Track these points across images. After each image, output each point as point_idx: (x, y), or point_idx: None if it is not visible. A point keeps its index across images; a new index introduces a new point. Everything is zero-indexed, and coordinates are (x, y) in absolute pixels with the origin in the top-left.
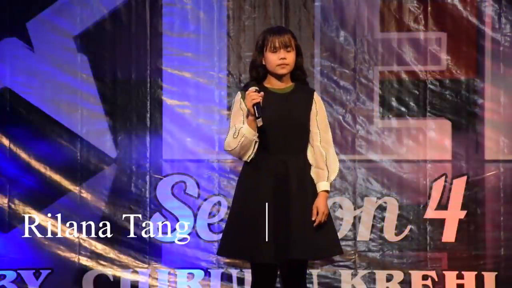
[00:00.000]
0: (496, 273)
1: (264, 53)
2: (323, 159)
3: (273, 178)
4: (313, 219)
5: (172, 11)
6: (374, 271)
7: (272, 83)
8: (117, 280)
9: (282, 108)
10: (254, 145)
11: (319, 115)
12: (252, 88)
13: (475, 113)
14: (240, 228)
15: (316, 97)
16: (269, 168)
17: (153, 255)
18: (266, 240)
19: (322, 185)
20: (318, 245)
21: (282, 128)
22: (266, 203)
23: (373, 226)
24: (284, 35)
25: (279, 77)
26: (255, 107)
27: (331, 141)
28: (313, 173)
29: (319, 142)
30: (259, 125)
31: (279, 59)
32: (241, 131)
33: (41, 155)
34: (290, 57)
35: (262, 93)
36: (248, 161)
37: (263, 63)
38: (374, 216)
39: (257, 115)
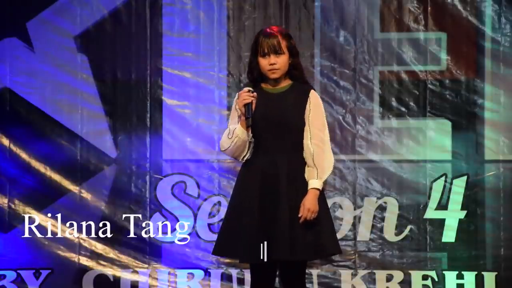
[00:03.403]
0: (496, 273)
1: (257, 56)
2: (311, 157)
3: (261, 178)
4: (299, 215)
5: (172, 11)
6: (374, 271)
7: (268, 84)
8: (117, 280)
9: (273, 108)
10: (249, 146)
11: (312, 113)
12: (245, 89)
13: (475, 113)
14: (230, 228)
15: (312, 95)
16: (259, 167)
17: (153, 255)
18: (248, 240)
19: (311, 183)
20: (307, 246)
21: (273, 128)
22: (252, 204)
23: (373, 226)
24: (273, 39)
25: (273, 79)
26: (245, 107)
27: (325, 139)
28: (305, 172)
29: (309, 140)
30: (247, 125)
31: (269, 65)
32: (235, 132)
33: (41, 155)
34: (280, 61)
35: (255, 93)
36: (244, 161)
37: (257, 65)
38: (374, 216)
39: (246, 115)
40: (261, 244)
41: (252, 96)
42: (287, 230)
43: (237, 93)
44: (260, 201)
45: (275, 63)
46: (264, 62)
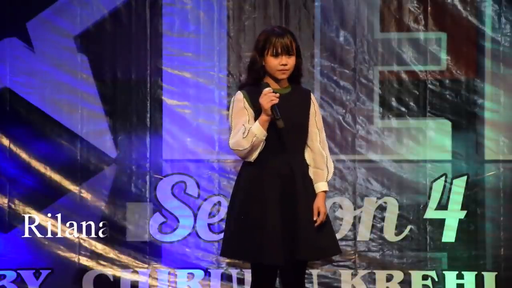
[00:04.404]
0: (496, 273)
1: (265, 55)
2: (324, 159)
3: (278, 179)
4: (314, 219)
5: (172, 11)
6: (374, 271)
7: (271, 84)
8: (117, 280)
9: (284, 109)
10: (262, 146)
11: (317, 116)
12: (269, 89)
13: (475, 113)
14: (246, 229)
15: (313, 97)
16: (274, 169)
17: (153, 255)
18: (273, 241)
19: (322, 185)
20: (322, 245)
21: (285, 129)
22: (273, 204)
23: (373, 226)
24: (286, 39)
25: (278, 79)
26: (273, 108)
27: (326, 141)
28: (311, 173)
29: (318, 142)
30: (280, 127)
31: (280, 65)
32: (251, 131)
33: (41, 155)
34: (291, 62)
35: (278, 94)
36: (252, 161)
37: (263, 64)
38: (374, 216)
39: (276, 116)
40: (285, 246)
41: (277, 97)
42: (307, 230)
43: (238, 92)
44: (281, 203)
45: (287, 64)
46: (275, 62)
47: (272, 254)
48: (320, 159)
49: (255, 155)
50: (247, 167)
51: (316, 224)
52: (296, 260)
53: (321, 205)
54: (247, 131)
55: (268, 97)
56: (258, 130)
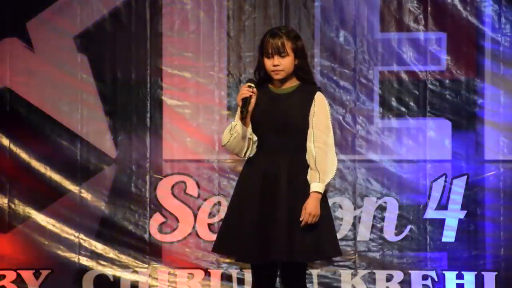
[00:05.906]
0: (496, 273)
1: (263, 56)
2: (313, 160)
3: (262, 178)
4: (300, 219)
5: (172, 11)
6: (374, 271)
7: (274, 84)
8: (117, 280)
9: (277, 108)
10: (249, 143)
11: (316, 116)
12: (246, 84)
13: (475, 113)
14: (229, 227)
15: (318, 97)
16: (260, 167)
17: (153, 255)
18: (247, 239)
19: (313, 186)
20: (305, 248)
21: (276, 129)
22: (252, 203)
23: (373, 226)
24: (278, 40)
25: (278, 80)
26: (243, 101)
27: (329, 142)
28: (308, 174)
29: (312, 142)
30: (241, 118)
31: (272, 66)
32: (235, 127)
33: (41, 155)
34: (284, 63)
35: (254, 89)
36: (246, 158)
37: (263, 64)
38: (374, 216)
39: (241, 109)
40: (259, 245)
41: (252, 92)
42: (285, 231)
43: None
44: (260, 201)
45: (279, 65)
46: (268, 63)
47: (245, 252)
48: (310, 159)
49: (243, 151)
50: (244, 165)
51: (301, 225)
52: (270, 261)
53: (308, 206)
54: (233, 127)
55: (241, 91)
56: (239, 126)
